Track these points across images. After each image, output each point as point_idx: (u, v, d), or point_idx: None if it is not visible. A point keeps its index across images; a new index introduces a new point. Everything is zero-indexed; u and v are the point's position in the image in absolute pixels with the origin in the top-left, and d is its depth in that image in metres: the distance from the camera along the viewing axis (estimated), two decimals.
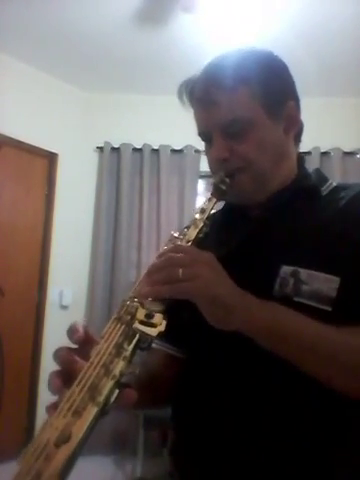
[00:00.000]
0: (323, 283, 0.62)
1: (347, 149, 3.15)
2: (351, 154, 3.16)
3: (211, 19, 2.41)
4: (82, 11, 2.45)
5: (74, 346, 0.55)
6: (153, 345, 0.83)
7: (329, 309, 0.61)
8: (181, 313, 0.73)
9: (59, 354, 0.53)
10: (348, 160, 3.15)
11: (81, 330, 0.55)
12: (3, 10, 2.43)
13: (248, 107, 0.72)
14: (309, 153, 3.05)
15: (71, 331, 0.55)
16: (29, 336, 3.00)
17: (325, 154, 3.13)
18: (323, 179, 0.79)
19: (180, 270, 0.55)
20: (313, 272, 0.63)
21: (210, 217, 0.72)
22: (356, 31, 2.49)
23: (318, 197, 0.74)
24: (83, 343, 0.54)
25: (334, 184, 0.77)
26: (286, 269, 0.65)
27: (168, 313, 0.83)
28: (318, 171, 0.82)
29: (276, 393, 0.64)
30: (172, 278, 0.56)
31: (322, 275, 0.63)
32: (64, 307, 3.13)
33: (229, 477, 0.65)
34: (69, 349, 0.54)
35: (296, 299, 0.63)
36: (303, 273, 0.64)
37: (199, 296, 0.56)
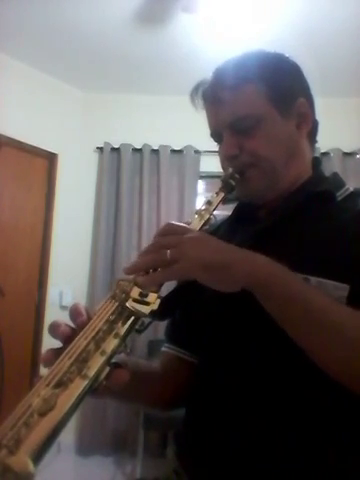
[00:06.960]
0: (333, 291, 0.61)
1: (347, 149, 3.14)
2: (351, 154, 3.15)
3: (211, 19, 2.40)
4: (82, 11, 2.45)
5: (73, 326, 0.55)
6: (163, 348, 0.84)
7: None
8: (191, 316, 0.73)
9: (56, 327, 0.53)
10: (348, 161, 3.15)
11: (85, 314, 0.55)
12: (3, 10, 2.43)
13: (254, 103, 0.72)
14: None
15: (74, 313, 0.55)
16: (29, 336, 2.99)
17: (325, 154, 3.12)
18: (339, 184, 0.77)
19: (168, 252, 0.56)
20: (322, 280, 0.62)
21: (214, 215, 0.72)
22: (356, 31, 2.49)
23: (332, 202, 0.72)
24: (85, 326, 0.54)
25: (351, 190, 0.76)
26: None
27: (179, 317, 0.82)
28: (336, 175, 0.80)
29: (284, 398, 0.64)
30: (161, 262, 0.56)
31: (332, 283, 0.62)
32: (64, 307, 3.12)
33: (237, 476, 0.65)
34: (66, 325, 0.54)
35: None
36: (313, 281, 0.62)
37: (191, 272, 0.56)
